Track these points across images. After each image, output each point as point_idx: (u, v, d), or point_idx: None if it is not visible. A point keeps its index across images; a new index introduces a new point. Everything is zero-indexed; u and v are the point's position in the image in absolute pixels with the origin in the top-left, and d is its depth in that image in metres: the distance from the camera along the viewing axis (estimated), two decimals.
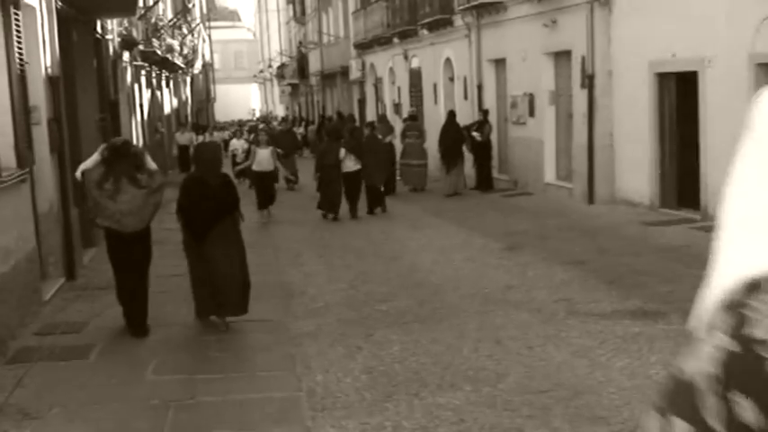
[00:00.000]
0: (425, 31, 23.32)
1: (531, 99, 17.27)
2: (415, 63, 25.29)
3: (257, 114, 66.72)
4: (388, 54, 27.82)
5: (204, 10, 58.27)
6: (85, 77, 13.83)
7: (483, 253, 11.21)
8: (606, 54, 14.64)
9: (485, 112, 18.61)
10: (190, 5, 33.84)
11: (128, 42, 18.55)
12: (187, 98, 40.32)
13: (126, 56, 19.97)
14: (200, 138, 22.66)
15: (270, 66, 64.02)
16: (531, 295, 8.71)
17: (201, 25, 49.64)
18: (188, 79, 41.28)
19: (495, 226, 13.50)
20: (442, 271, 10.16)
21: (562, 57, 16.26)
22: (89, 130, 13.02)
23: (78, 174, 7.90)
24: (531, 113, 17.36)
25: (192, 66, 40.45)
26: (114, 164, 7.57)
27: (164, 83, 29.37)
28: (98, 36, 15.03)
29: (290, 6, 52.55)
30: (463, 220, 14.23)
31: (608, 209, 14.49)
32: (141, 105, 21.85)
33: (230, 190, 8.14)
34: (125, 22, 18.72)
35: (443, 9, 21.16)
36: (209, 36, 60.23)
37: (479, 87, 19.96)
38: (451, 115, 18.26)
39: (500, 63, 19.13)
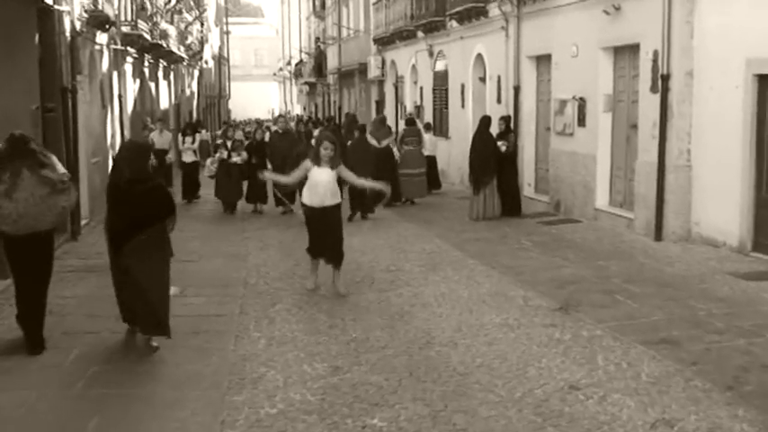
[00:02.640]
0: (454, 23, 20.12)
1: (582, 104, 14.01)
2: (441, 61, 22.09)
3: (275, 113, 63.78)
4: (411, 50, 24.66)
5: (222, 2, 55.42)
6: (18, 56, 10.82)
7: (526, 315, 8.01)
8: (687, 49, 11.36)
9: (506, 119, 15.38)
10: None
11: (98, 20, 15.47)
12: (192, 93, 37.27)
13: (104, 38, 16.97)
14: (187, 140, 19.25)
15: (288, 63, 61.14)
16: (609, 408, 5.51)
17: (214, 17, 46.89)
18: (195, 73, 38.30)
19: (538, 268, 10.28)
20: (469, 346, 6.98)
21: (625, 52, 12.99)
22: (16, 122, 9.93)
23: None
24: (582, 122, 14.09)
25: (201, 58, 37.56)
26: (12, 157, 6.74)
27: (161, 74, 26.35)
28: (44, 5, 11.99)
29: (311, 0, 49.56)
30: (494, 258, 11.03)
31: (681, 249, 11.24)
32: (121, 97, 18.76)
33: (158, 197, 6.96)
34: None
35: None
36: (227, 31, 57.44)
37: (516, 89, 16.70)
38: (485, 123, 14.81)
39: (543, 60, 15.87)
